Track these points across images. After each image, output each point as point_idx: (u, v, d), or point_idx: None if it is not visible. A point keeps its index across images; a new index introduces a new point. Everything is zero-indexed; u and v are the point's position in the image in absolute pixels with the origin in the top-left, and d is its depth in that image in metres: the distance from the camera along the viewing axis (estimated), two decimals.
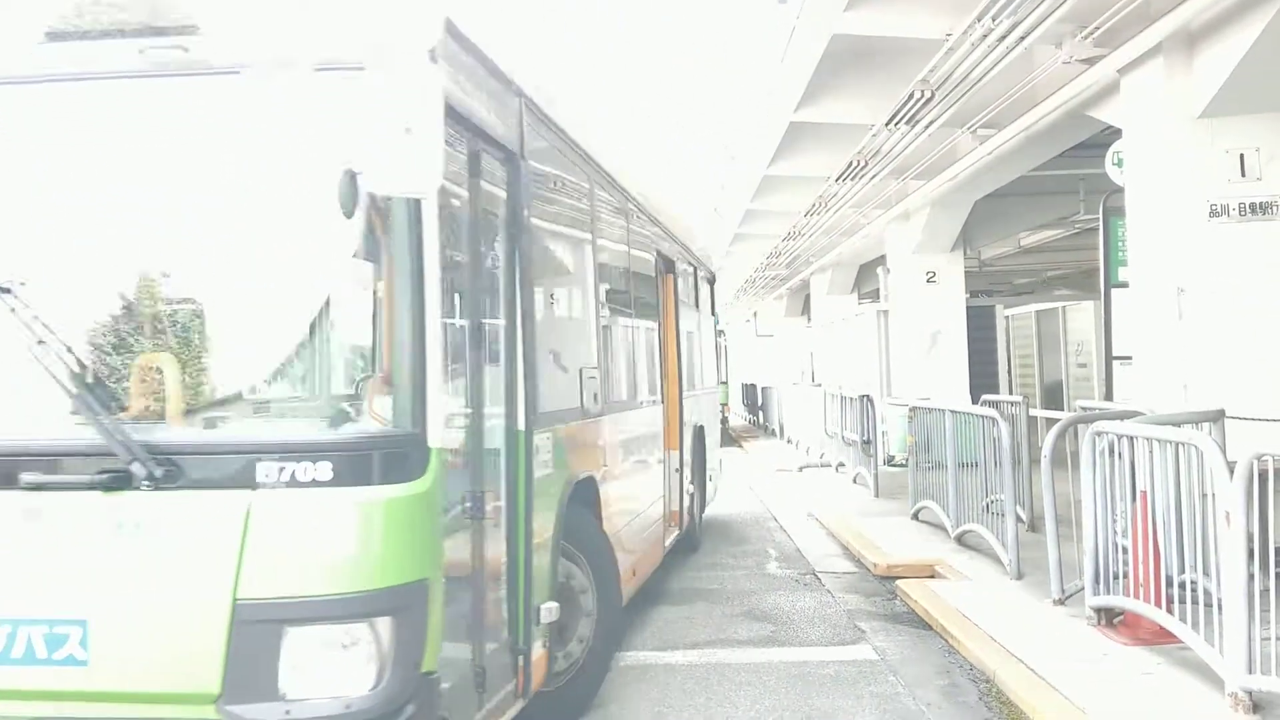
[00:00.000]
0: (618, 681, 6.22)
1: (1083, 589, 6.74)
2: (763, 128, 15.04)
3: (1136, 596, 6.11)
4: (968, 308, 17.33)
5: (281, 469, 3.45)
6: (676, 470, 9.21)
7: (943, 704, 5.77)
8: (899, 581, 8.52)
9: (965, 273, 17.32)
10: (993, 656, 6.21)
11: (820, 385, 20.59)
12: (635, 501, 7.53)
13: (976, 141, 11.82)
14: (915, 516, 11.01)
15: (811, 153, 15.33)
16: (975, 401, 12.01)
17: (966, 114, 10.86)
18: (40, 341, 3.56)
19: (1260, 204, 8.04)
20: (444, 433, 3.68)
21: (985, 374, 18.24)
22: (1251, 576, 4.96)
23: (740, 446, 24.14)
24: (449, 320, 3.97)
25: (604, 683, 6.06)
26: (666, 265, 9.46)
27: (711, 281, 12.84)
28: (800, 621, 7.66)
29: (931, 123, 11.13)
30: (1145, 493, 6.15)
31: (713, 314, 12.87)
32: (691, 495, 9.99)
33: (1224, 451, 5.37)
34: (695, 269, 11.38)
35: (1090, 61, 8.75)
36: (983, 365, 18.27)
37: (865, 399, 14.50)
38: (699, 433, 10.50)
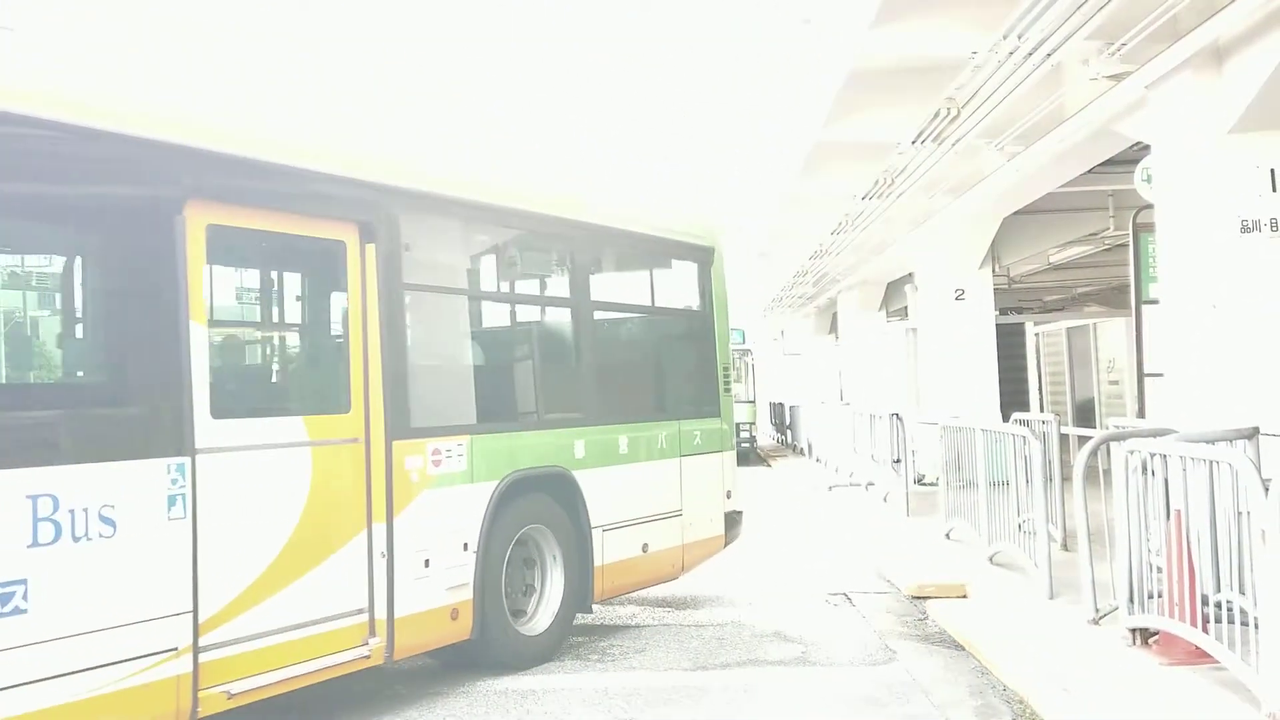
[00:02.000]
0: (645, 702, 6.20)
1: (1117, 608, 6.67)
2: (789, 146, 15.05)
3: (1172, 616, 6.05)
4: (997, 325, 17.24)
5: None
6: (383, 555, 5.98)
7: None
8: (930, 601, 8.47)
9: (994, 290, 17.23)
10: (1027, 677, 6.16)
11: (849, 403, 20.52)
12: None
13: (1004, 158, 11.79)
14: (947, 536, 10.94)
15: (838, 171, 15.32)
16: (1006, 419, 11.94)
17: (994, 131, 10.83)
18: None
19: None
20: None
21: (1016, 392, 18.14)
22: None
23: (768, 465, 24.08)
24: None
25: (634, 702, 6.07)
26: (356, 231, 6.13)
27: (703, 262, 9.09)
28: (831, 642, 7.62)
29: (959, 140, 11.12)
30: (1179, 511, 6.10)
31: (707, 308, 9.10)
32: (464, 587, 6.44)
33: (1259, 469, 5.32)
34: (567, 243, 7.81)
35: (1118, 78, 8.72)
36: (1013, 383, 18.16)
37: (895, 417, 14.44)
38: (548, 484, 7.22)
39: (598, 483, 7.56)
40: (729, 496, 9.18)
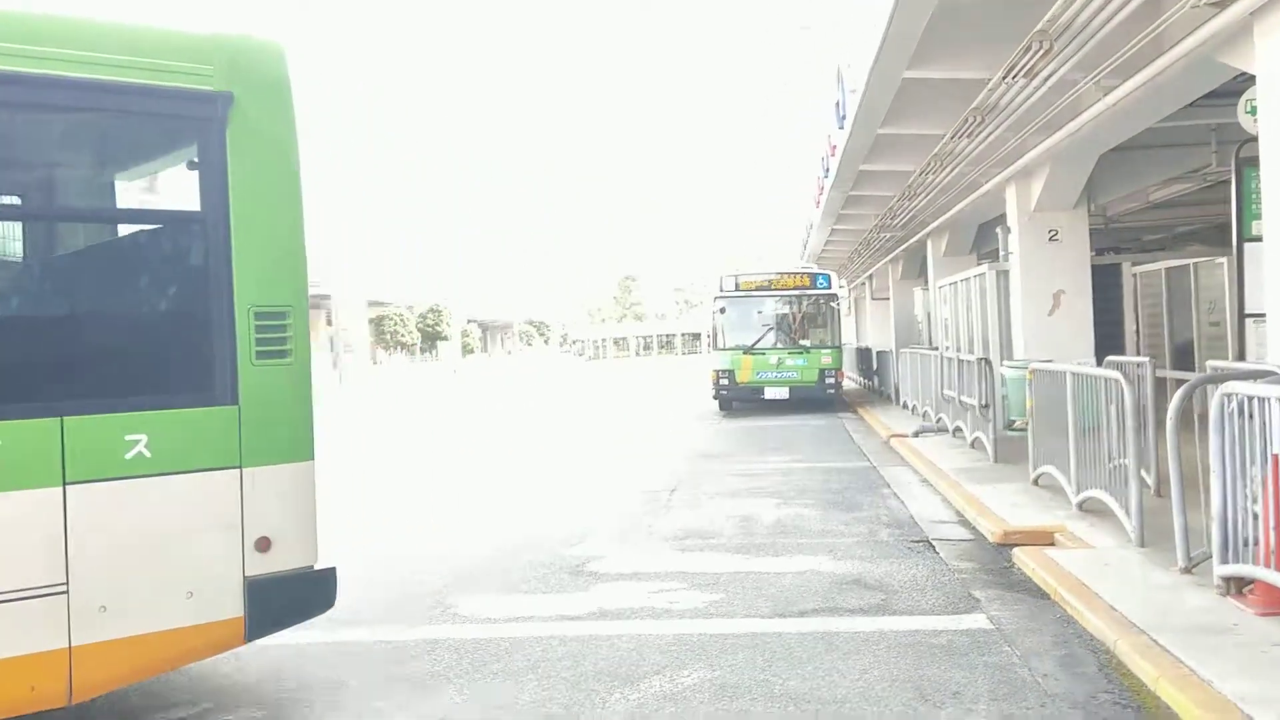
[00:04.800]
0: (721, 649, 6.20)
1: (1210, 557, 6.46)
2: (875, 86, 14.68)
3: (1268, 565, 5.83)
4: (1092, 266, 16.72)
5: None
6: None
7: (1060, 675, 5.60)
8: (1016, 549, 8.30)
9: (1090, 230, 16.69)
10: (1113, 626, 6.01)
11: (936, 348, 20.17)
12: None
13: (1100, 93, 11.33)
14: (1035, 482, 10.71)
15: (926, 110, 14.94)
16: (1100, 363, 11.59)
17: (1088, 65, 10.40)
18: None
19: None
20: None
21: (1111, 334, 17.63)
22: None
23: (855, 412, 23.85)
24: None
25: (710, 649, 6.08)
26: None
27: (200, 122, 5.21)
28: (912, 590, 7.52)
29: (1051, 75, 10.71)
30: (1277, 456, 5.85)
31: (213, 204, 5.22)
32: None
33: None
34: None
35: (1220, 4, 8.28)
36: (1108, 325, 17.65)
37: (983, 361, 14.13)
38: None
39: None
40: (266, 548, 5.28)
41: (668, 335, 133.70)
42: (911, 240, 26.88)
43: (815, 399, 24.56)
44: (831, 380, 24.70)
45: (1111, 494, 8.53)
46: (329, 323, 72.51)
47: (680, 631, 6.60)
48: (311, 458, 5.53)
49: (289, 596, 5.39)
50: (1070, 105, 12.08)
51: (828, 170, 23.32)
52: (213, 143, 5.23)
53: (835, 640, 6.33)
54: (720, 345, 25.23)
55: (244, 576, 5.23)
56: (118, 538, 4.94)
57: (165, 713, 5.49)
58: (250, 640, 5.34)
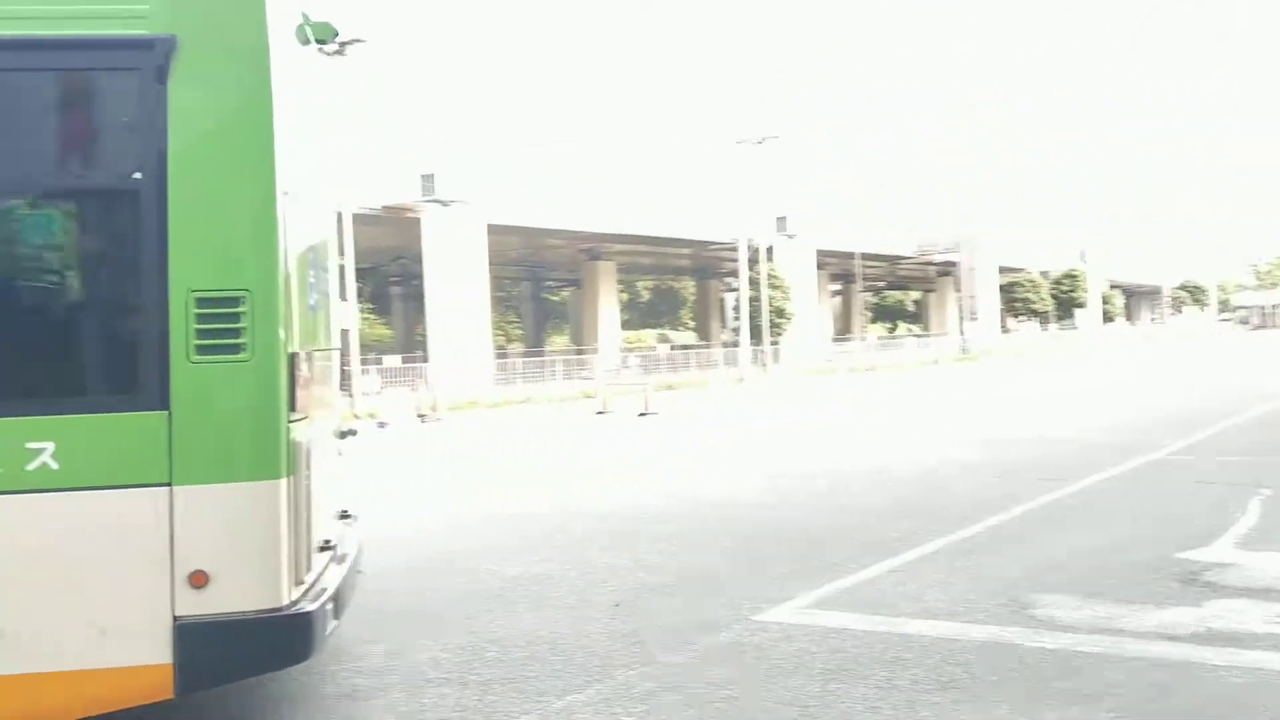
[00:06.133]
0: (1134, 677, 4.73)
1: None
2: None
3: None
4: None
5: None
6: None
7: None
8: None
9: None
10: None
11: None
12: None
13: None
14: None
15: None
16: None
17: None
18: None
19: None
20: None
21: None
22: None
23: None
24: None
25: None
26: None
27: (133, 74, 4.29)
28: None
29: None
30: None
31: (151, 171, 4.29)
32: None
33: None
34: None
35: None
36: None
37: None
38: None
39: None
40: (202, 584, 4.24)
41: None
42: None
43: None
44: None
45: None
46: (957, 289, 72.15)
47: None
48: (276, 475, 4.37)
49: (235, 645, 4.32)
50: None
51: None
52: (148, 98, 4.25)
53: None
54: None
55: (173, 617, 4.22)
56: (14, 559, 4.16)
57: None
58: (184, 693, 4.31)
